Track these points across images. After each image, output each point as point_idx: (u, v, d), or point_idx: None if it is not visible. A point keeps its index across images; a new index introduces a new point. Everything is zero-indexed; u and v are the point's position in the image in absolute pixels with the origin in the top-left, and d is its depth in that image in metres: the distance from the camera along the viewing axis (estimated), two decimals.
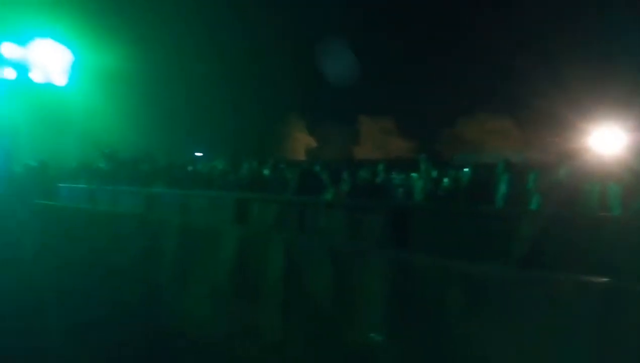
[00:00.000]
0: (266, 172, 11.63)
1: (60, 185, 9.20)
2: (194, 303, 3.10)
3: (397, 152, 32.67)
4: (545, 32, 28.28)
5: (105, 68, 22.43)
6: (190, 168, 10.71)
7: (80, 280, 3.85)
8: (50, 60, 20.14)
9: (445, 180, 9.96)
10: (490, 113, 32.16)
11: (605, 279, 2.08)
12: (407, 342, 2.34)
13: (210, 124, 31.83)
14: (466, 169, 9.26)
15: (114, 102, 24.29)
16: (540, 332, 2.01)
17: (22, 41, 19.35)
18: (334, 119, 35.99)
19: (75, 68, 21.17)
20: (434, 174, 10.35)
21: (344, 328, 2.59)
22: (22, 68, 19.43)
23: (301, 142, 38.62)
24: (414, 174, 11.36)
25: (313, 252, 2.75)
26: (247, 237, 3.03)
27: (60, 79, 20.71)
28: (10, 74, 19.32)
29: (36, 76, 19.96)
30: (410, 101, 31.83)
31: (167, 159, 12.15)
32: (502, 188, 8.08)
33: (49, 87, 20.47)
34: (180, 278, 3.25)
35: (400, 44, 33.28)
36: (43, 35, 19.72)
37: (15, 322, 3.80)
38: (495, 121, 32.41)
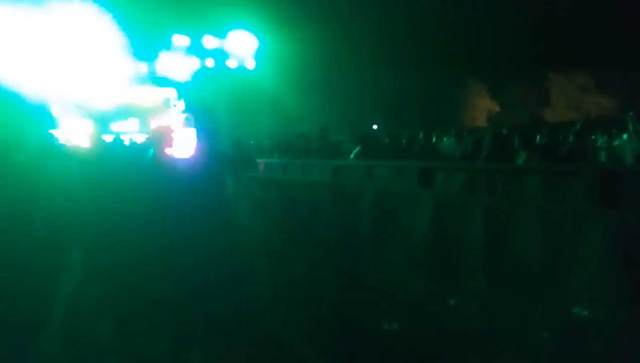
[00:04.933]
0: (447, 141, 11.34)
1: (258, 160, 10.09)
2: (391, 264, 3.17)
3: (597, 112, 29.07)
4: None
5: (285, 51, 24.13)
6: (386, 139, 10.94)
7: (288, 242, 4.24)
8: (241, 47, 22.22)
9: None
10: None
11: None
12: (627, 319, 2.07)
13: (385, 97, 31.98)
14: None
15: (295, 82, 25.94)
16: None
17: (220, 34, 21.79)
18: (518, 80, 33.35)
19: (260, 53, 23.04)
20: None
21: (551, 300, 2.39)
22: (219, 57, 21.86)
23: (481, 108, 36.67)
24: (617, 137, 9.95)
25: (517, 215, 2.57)
26: (443, 200, 2.96)
27: (249, 64, 22.75)
28: (210, 63, 21.85)
29: (230, 63, 22.25)
30: (610, 51, 27.03)
31: (351, 133, 12.62)
32: None
33: (241, 72, 22.65)
34: (376, 242, 3.35)
35: None
36: (236, 26, 21.89)
37: (242, 280, 4.36)
38: None
